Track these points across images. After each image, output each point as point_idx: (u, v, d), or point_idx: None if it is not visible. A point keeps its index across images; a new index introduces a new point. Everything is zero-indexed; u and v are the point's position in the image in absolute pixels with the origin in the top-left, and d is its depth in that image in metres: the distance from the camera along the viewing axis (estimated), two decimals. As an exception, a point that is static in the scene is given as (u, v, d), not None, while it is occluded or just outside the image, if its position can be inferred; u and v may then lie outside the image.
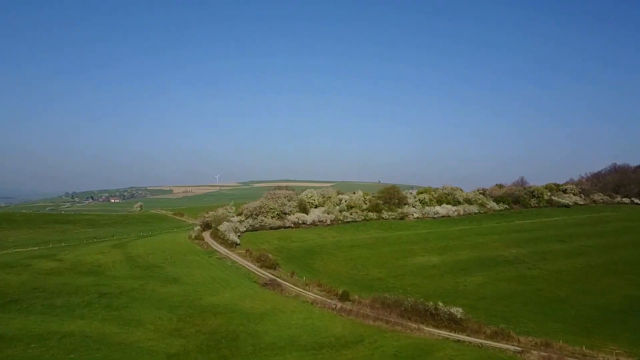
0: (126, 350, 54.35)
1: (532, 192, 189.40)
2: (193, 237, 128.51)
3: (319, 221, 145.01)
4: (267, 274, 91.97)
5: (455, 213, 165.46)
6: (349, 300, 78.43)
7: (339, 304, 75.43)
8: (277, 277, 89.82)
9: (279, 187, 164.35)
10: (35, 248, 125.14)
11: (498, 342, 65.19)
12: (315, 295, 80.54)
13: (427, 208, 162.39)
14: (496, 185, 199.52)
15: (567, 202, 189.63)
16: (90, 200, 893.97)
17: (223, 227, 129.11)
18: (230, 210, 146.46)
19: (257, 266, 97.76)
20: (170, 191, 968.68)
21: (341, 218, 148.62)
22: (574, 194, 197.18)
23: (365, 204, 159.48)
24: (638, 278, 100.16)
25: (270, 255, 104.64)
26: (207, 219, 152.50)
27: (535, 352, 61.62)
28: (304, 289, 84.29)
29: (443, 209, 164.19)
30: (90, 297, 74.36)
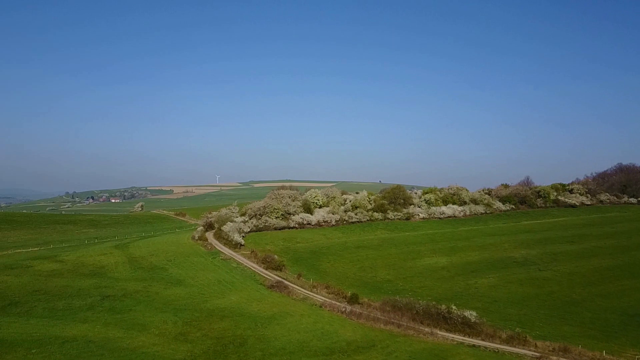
0: (131, 356, 52.20)
1: (539, 192, 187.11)
2: (196, 237, 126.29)
3: (324, 221, 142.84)
4: (273, 275, 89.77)
5: (462, 213, 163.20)
6: (359, 303, 76.25)
7: (349, 307, 73.23)
8: (283, 278, 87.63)
9: (283, 187, 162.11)
10: (36, 249, 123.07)
11: (514, 347, 62.95)
12: (324, 298, 78.31)
13: (433, 208, 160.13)
14: (502, 185, 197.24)
15: (573, 202, 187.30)
16: (91, 200, 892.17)
17: (227, 227, 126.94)
18: (234, 211, 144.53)
19: (263, 268, 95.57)
20: (171, 191, 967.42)
21: (346, 218, 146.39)
22: (581, 194, 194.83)
23: (371, 204, 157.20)
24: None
25: (275, 256, 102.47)
26: (210, 219, 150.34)
27: (554, 358, 59.45)
28: (311, 291, 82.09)
29: (449, 209, 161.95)
30: (93, 299, 72.27)
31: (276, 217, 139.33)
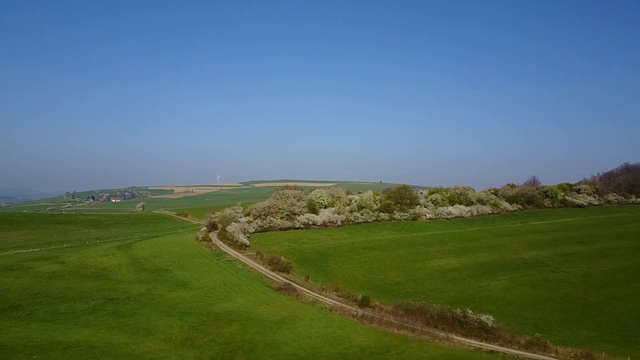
0: (136, 364, 49.95)
1: (546, 192, 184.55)
2: (200, 238, 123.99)
3: (330, 222, 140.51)
4: (280, 277, 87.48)
5: (469, 214, 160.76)
6: (370, 307, 73.92)
7: (360, 311, 70.88)
8: (291, 281, 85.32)
9: (287, 187, 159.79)
10: (37, 249, 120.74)
11: (534, 353, 60.54)
12: (334, 301, 75.95)
13: (440, 209, 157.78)
14: (508, 185, 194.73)
15: (581, 202, 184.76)
16: (91, 200, 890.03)
17: (231, 228, 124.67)
18: (238, 211, 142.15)
19: (270, 269, 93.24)
20: (171, 191, 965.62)
21: (352, 219, 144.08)
22: (588, 194, 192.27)
23: (376, 204, 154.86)
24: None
25: (282, 257, 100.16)
26: (213, 220, 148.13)
27: (577, 365, 57.21)
28: (320, 294, 79.75)
29: (456, 210, 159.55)
30: (96, 302, 69.92)
31: (281, 218, 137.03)
